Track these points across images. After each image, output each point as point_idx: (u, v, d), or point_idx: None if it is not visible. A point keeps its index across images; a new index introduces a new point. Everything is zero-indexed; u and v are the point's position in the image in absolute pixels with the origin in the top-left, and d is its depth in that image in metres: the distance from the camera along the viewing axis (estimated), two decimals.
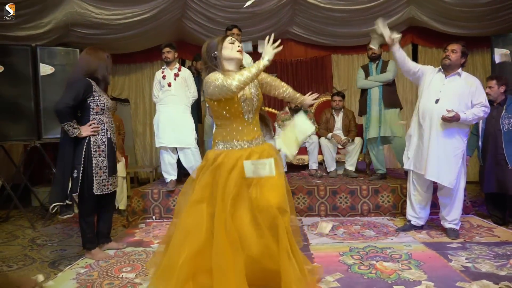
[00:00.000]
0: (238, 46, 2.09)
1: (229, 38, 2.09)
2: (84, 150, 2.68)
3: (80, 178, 2.67)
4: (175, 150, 4.05)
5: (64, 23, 4.63)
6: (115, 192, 3.04)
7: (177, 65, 4.07)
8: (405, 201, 3.64)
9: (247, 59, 4.15)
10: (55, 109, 2.62)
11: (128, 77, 6.36)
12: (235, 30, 4.01)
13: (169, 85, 3.94)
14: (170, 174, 4.06)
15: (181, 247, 1.94)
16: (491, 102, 3.38)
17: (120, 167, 4.17)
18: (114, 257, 2.86)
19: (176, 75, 3.97)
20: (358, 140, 4.64)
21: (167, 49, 3.96)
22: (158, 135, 4.01)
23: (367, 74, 4.34)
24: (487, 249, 2.76)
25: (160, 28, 5.39)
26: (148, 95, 6.18)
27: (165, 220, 3.95)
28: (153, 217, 3.99)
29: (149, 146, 6.33)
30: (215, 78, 1.93)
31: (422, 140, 3.07)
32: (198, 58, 4.85)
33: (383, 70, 4.22)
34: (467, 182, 5.63)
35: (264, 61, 1.91)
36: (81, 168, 2.67)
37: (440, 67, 3.11)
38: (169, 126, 3.94)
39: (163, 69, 4.03)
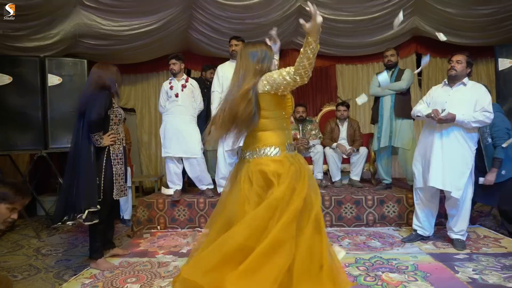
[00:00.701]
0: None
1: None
2: (105, 158, 2.87)
3: (103, 185, 2.83)
4: (180, 160, 4.07)
5: (72, 34, 4.70)
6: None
7: (184, 76, 4.12)
8: (411, 211, 3.64)
9: None
10: (91, 120, 2.77)
11: (134, 87, 6.42)
12: (232, 41, 4.06)
13: (176, 95, 3.98)
14: (175, 184, 4.08)
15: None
16: None
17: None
18: (119, 267, 2.87)
19: (184, 86, 4.01)
20: (363, 150, 4.64)
21: (173, 61, 4.01)
22: (165, 145, 4.04)
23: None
24: (494, 260, 2.74)
25: (166, 39, 5.45)
26: (154, 105, 6.23)
27: (169, 230, 3.96)
28: (158, 227, 4.00)
29: (154, 156, 6.36)
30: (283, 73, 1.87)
31: (426, 150, 3.08)
32: (207, 68, 4.89)
33: (398, 78, 4.15)
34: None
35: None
36: (102, 176, 2.84)
37: (445, 80, 3.12)
38: (175, 136, 3.97)
39: (171, 79, 4.07)
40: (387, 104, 4.14)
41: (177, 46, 5.84)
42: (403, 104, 4.10)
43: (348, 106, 4.95)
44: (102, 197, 2.83)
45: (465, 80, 3.03)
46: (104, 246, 3.03)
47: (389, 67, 4.26)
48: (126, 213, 4.41)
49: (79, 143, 2.85)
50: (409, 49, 6.01)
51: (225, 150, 3.97)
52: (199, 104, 4.19)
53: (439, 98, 3.06)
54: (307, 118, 4.96)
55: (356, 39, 5.74)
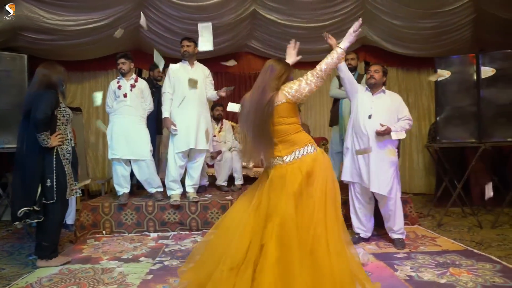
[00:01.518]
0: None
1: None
2: (54, 159, 2.83)
3: (55, 186, 2.81)
4: (128, 162, 3.95)
5: (10, 26, 4.41)
6: None
7: (134, 75, 4.00)
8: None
9: (205, 71, 4.16)
10: (37, 119, 2.71)
11: (81, 85, 6.14)
12: (184, 42, 4.01)
13: (125, 95, 3.86)
14: (122, 187, 3.95)
15: None
16: None
17: None
18: (58, 274, 2.72)
19: (133, 86, 3.90)
20: None
21: (122, 60, 3.88)
22: (112, 146, 3.90)
23: (341, 85, 4.38)
24: (430, 258, 2.92)
25: (116, 37, 5.26)
26: (102, 105, 5.96)
27: (116, 235, 3.81)
28: (104, 231, 3.84)
29: (102, 158, 6.12)
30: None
31: (355, 156, 3.27)
32: (154, 67, 4.77)
33: (358, 82, 4.29)
34: (414, 194, 5.98)
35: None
36: (54, 177, 2.81)
37: (366, 86, 3.36)
38: (123, 137, 3.84)
39: (119, 79, 3.94)
40: (346, 108, 4.21)
41: (127, 44, 5.66)
42: None
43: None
44: (56, 198, 2.81)
45: (383, 88, 3.33)
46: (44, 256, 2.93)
47: (349, 70, 4.34)
48: (69, 218, 4.14)
49: (25, 143, 2.80)
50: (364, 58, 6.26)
51: (175, 152, 3.90)
52: (149, 105, 4.09)
53: (364, 104, 3.27)
54: None
55: (308, 46, 5.86)
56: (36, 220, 2.78)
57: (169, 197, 3.96)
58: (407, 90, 6.41)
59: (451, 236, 3.62)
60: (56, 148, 2.85)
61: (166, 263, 2.92)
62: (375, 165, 3.15)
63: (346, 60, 4.32)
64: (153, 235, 3.79)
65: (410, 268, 2.71)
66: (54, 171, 2.82)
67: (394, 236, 3.28)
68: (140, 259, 3.05)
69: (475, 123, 4.16)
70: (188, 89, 3.79)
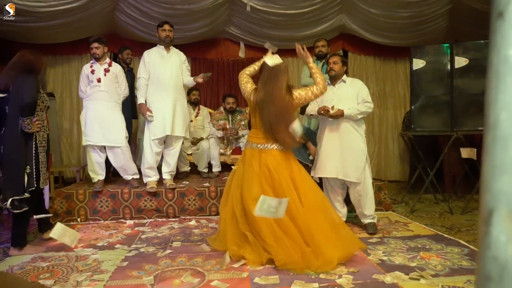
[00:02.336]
0: None
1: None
2: (34, 146, 2.83)
3: (35, 173, 2.81)
4: (103, 148, 3.87)
5: None
6: None
7: (108, 59, 3.89)
8: None
9: (181, 57, 4.09)
10: (26, 103, 2.71)
11: (53, 69, 5.92)
12: (166, 26, 3.92)
13: (99, 80, 3.76)
14: (97, 174, 3.88)
15: None
16: None
17: None
18: (30, 263, 2.66)
19: (106, 70, 3.80)
20: None
21: (96, 44, 3.77)
22: (86, 133, 3.81)
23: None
24: (402, 243, 3.01)
25: (90, 19, 5.10)
26: (76, 90, 5.79)
27: (91, 222, 3.76)
28: (78, 219, 3.78)
29: (76, 144, 5.96)
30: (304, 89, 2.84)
31: (321, 144, 3.34)
32: (123, 49, 4.65)
33: None
34: (389, 181, 6.12)
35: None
36: (33, 164, 2.81)
37: (328, 80, 3.40)
38: (97, 123, 3.76)
39: (92, 63, 3.83)
40: None
41: (102, 27, 5.49)
42: None
43: None
44: (35, 185, 2.81)
45: (344, 77, 3.37)
46: (43, 229, 3.14)
47: (319, 57, 4.33)
48: None
49: (6, 128, 2.76)
50: (336, 46, 6.27)
51: (151, 139, 3.85)
52: (124, 90, 4.00)
53: (325, 96, 3.30)
54: (237, 109, 4.99)
55: (287, 33, 5.86)
56: (23, 210, 2.74)
57: (145, 184, 3.92)
58: (383, 79, 6.50)
59: (423, 222, 3.74)
60: (35, 134, 2.83)
61: (142, 250, 2.90)
62: (341, 152, 3.23)
63: (316, 47, 4.36)
64: (129, 222, 3.76)
65: (383, 253, 2.78)
66: (34, 158, 2.81)
67: (366, 221, 3.35)
68: (116, 246, 3.02)
69: (448, 112, 4.27)
70: (169, 75, 3.76)
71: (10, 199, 2.69)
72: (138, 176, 4.04)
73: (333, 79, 3.39)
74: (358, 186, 3.26)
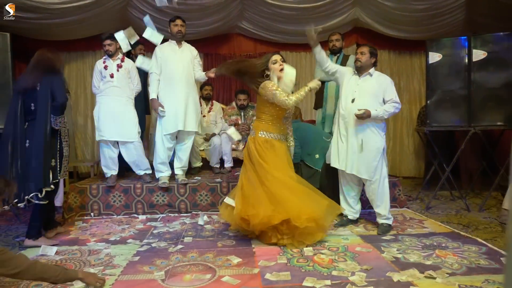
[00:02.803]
0: (280, 65, 2.93)
1: (273, 59, 2.95)
2: (58, 140, 3.01)
3: (58, 166, 2.99)
4: (116, 144, 3.89)
5: None
6: None
7: (120, 55, 3.91)
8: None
9: (193, 52, 4.07)
10: (60, 103, 2.89)
11: (68, 65, 5.99)
12: (178, 21, 3.89)
13: (111, 76, 3.78)
14: (110, 169, 3.90)
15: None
16: None
17: None
18: (44, 256, 2.69)
19: (119, 66, 3.81)
20: None
21: (108, 41, 3.78)
22: (99, 128, 3.84)
23: None
24: (417, 241, 2.94)
25: (103, 16, 5.13)
26: (90, 86, 5.85)
27: (104, 217, 3.79)
28: (92, 213, 3.81)
29: (91, 139, 6.02)
30: (275, 88, 2.85)
31: (341, 138, 3.24)
32: (135, 45, 4.64)
33: (343, 64, 4.13)
34: (404, 177, 6.02)
35: (310, 87, 2.96)
36: (57, 157, 2.99)
37: (354, 69, 3.29)
38: (110, 118, 3.78)
39: (105, 59, 3.85)
40: (331, 91, 4.15)
41: (115, 24, 5.50)
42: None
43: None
44: (58, 178, 2.99)
45: (371, 70, 3.22)
46: (48, 227, 3.15)
47: (333, 52, 4.23)
48: (57, 200, 4.08)
49: (19, 123, 2.85)
50: (350, 40, 6.17)
51: (163, 134, 3.85)
52: (137, 85, 4.01)
53: (348, 87, 3.22)
54: (249, 104, 4.96)
55: (300, 27, 5.77)
56: (43, 202, 2.84)
57: (157, 179, 3.93)
58: (398, 73, 6.37)
59: (439, 219, 3.65)
60: (59, 130, 3.00)
61: (153, 245, 2.91)
62: (355, 148, 3.15)
63: (330, 41, 4.27)
64: (142, 217, 3.78)
65: (397, 250, 2.72)
66: (58, 152, 3.00)
67: (380, 221, 3.27)
68: (128, 241, 3.04)
69: (465, 107, 4.16)
70: (181, 70, 3.76)
71: (44, 191, 2.82)
72: (150, 172, 4.06)
73: (359, 70, 3.24)
74: (373, 185, 3.18)
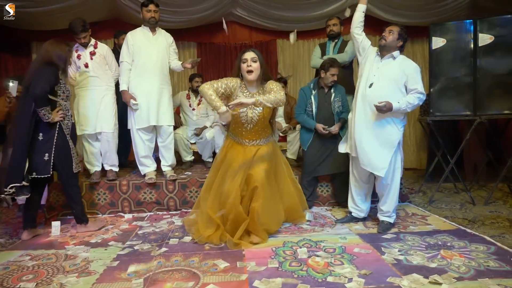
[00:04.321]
0: (248, 66, 2.71)
1: (243, 58, 2.74)
2: (56, 134, 2.90)
3: (52, 160, 2.89)
4: (96, 138, 3.66)
5: None
6: None
7: (92, 41, 3.62)
8: (343, 190, 3.54)
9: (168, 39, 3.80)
10: (35, 94, 2.75)
11: None
12: (151, 7, 3.59)
13: (86, 65, 3.53)
14: (93, 165, 3.69)
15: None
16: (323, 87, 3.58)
17: None
18: (16, 262, 2.49)
19: (92, 53, 3.55)
20: (299, 128, 4.50)
21: (83, 34, 3.50)
22: (79, 122, 3.61)
23: (323, 53, 4.06)
24: (420, 240, 2.72)
25: (90, 4, 4.88)
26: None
27: (89, 216, 3.56)
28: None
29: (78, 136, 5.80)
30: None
31: (355, 124, 2.95)
32: (119, 34, 4.39)
33: (342, 50, 3.96)
34: (405, 169, 5.80)
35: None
36: (52, 152, 2.88)
37: (377, 50, 2.96)
38: (89, 111, 3.55)
39: (76, 47, 3.57)
40: None
41: (103, 12, 5.27)
42: (344, 79, 3.92)
43: (285, 83, 4.77)
44: (52, 172, 2.92)
45: (395, 53, 2.88)
46: (28, 226, 3.04)
47: (331, 37, 4.05)
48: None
49: (18, 118, 2.86)
50: (349, 26, 5.90)
51: (136, 128, 3.61)
52: (115, 71, 3.73)
53: (370, 68, 2.91)
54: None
55: (297, 13, 5.54)
56: (22, 197, 2.83)
57: (144, 176, 3.72)
58: None
59: (443, 214, 3.45)
60: (59, 123, 2.91)
61: (136, 247, 2.70)
62: (370, 142, 2.86)
63: (328, 26, 4.03)
64: (128, 216, 3.57)
65: (398, 251, 2.51)
66: (54, 146, 2.88)
67: (381, 217, 3.05)
68: (110, 243, 2.82)
69: (470, 95, 3.93)
70: (155, 59, 3.54)
71: (9, 187, 2.74)
72: (117, 169, 3.80)
73: (382, 50, 2.89)
74: (384, 181, 2.93)
